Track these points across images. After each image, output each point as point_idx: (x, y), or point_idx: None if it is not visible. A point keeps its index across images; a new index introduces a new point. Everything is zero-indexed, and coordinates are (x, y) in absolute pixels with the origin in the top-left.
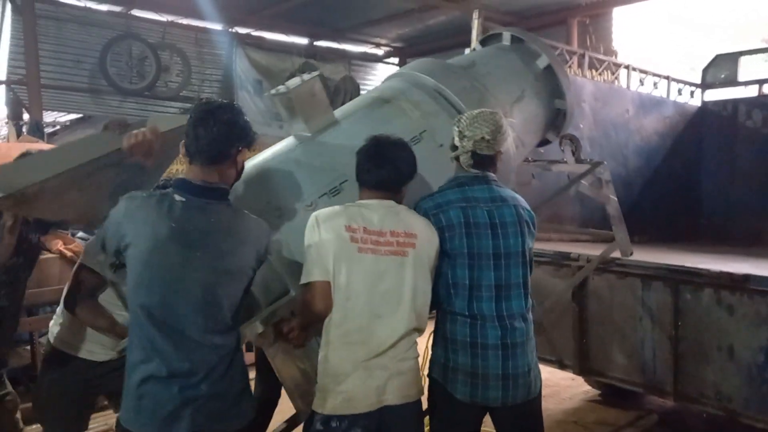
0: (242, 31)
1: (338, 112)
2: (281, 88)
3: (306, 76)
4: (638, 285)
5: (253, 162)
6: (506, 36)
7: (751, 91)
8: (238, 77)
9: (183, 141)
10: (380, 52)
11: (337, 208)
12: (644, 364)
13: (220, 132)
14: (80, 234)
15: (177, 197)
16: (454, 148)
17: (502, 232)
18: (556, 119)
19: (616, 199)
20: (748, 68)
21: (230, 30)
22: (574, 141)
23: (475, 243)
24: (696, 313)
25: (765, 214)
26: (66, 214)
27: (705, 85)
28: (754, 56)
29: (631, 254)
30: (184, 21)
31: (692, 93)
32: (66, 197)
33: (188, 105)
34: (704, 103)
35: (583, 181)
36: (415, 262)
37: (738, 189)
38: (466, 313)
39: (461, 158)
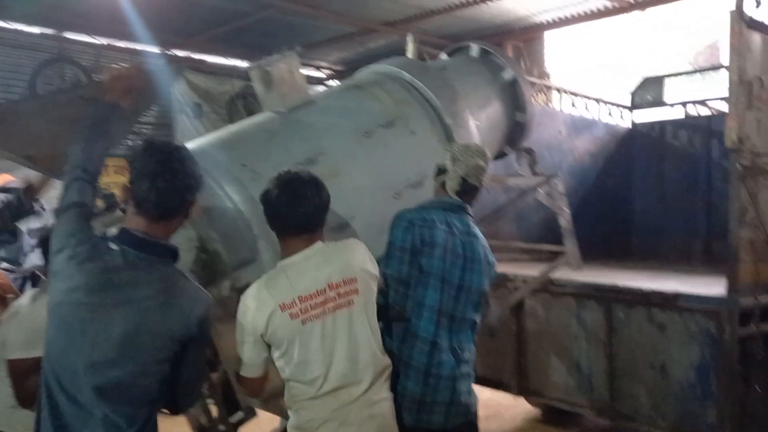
0: (181, 53)
1: (313, 111)
2: (261, 62)
3: (286, 53)
4: (573, 304)
5: (227, 128)
6: (475, 48)
7: (677, 112)
8: (176, 100)
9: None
10: (322, 74)
11: (261, 284)
12: (581, 384)
13: (174, 186)
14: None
15: (110, 244)
16: (442, 171)
17: (469, 266)
18: (513, 132)
19: (568, 211)
20: (673, 90)
21: (167, 53)
22: (531, 154)
23: (448, 269)
24: (629, 332)
25: (692, 231)
26: (31, 148)
27: (634, 107)
28: (678, 78)
29: (581, 268)
30: (120, 44)
31: (622, 114)
32: (34, 127)
33: None
34: (633, 124)
35: (540, 194)
36: (364, 303)
37: (666, 207)
38: (429, 339)
39: (449, 183)
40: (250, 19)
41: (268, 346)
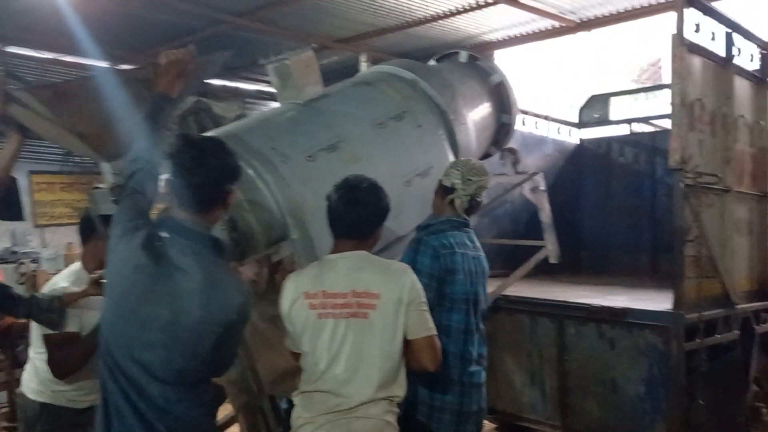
0: (130, 68)
1: (330, 102)
2: (279, 56)
3: (302, 49)
4: (526, 320)
5: (253, 117)
6: (463, 54)
7: (623, 129)
8: None
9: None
10: (274, 90)
11: (300, 271)
12: (534, 399)
13: (209, 181)
14: None
15: (161, 233)
16: (451, 190)
17: (478, 281)
18: (498, 133)
19: (549, 207)
20: (618, 108)
21: (116, 68)
22: (514, 153)
23: (468, 290)
24: (580, 348)
25: (639, 246)
26: (83, 126)
27: (581, 124)
28: (623, 97)
29: (559, 259)
30: (66, 58)
31: (570, 131)
32: (90, 105)
33: None
34: (581, 141)
35: (525, 190)
36: (379, 324)
37: (614, 222)
38: (459, 355)
39: (459, 201)
40: (202, 34)
41: None
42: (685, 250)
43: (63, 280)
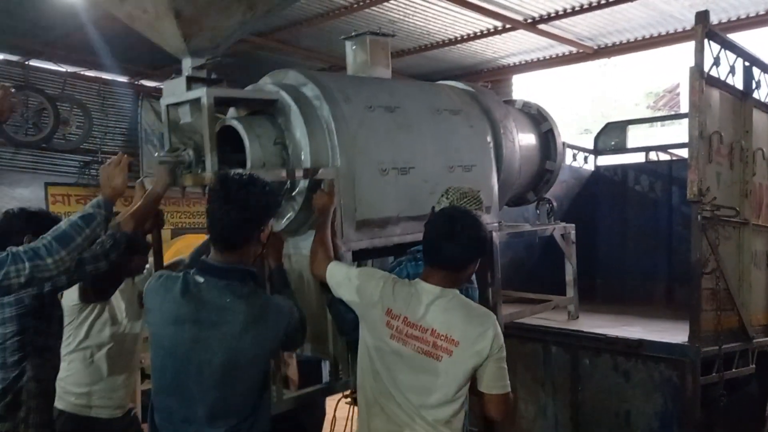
0: (148, 84)
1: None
2: (360, 32)
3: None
4: (539, 349)
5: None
6: (519, 102)
7: (639, 157)
8: (143, 130)
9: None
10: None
11: (396, 279)
12: (547, 430)
13: (237, 220)
14: None
15: (197, 277)
16: None
17: None
18: (539, 179)
19: (575, 261)
20: (635, 135)
21: (135, 83)
22: (550, 203)
23: None
24: (594, 379)
25: (654, 274)
26: (181, 2)
27: (597, 151)
28: (640, 125)
29: (577, 317)
30: (87, 73)
31: (586, 158)
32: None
33: (88, 158)
34: (597, 168)
35: (557, 238)
36: (448, 371)
37: (629, 250)
38: None
39: None
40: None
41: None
42: (702, 282)
43: None
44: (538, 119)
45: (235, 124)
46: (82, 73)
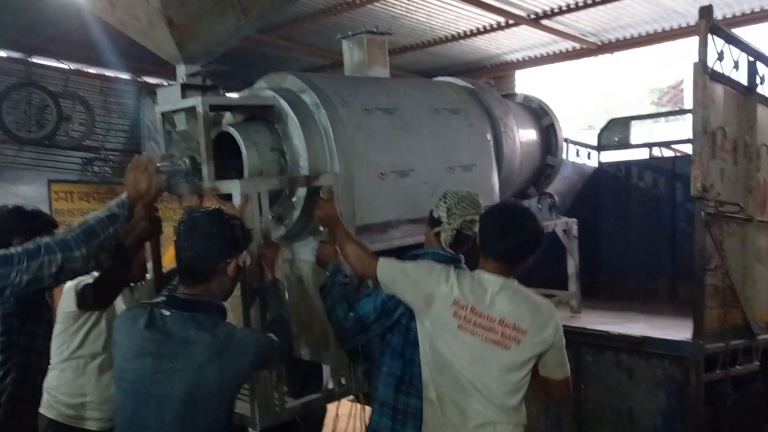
0: (151, 80)
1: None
2: (357, 32)
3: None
4: None
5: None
6: (520, 96)
7: (643, 153)
8: (145, 127)
9: None
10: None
11: (458, 272)
12: (549, 428)
13: (201, 249)
14: None
15: (163, 311)
16: (438, 222)
17: None
18: (540, 174)
19: (577, 256)
20: (639, 131)
21: (138, 79)
22: (552, 197)
23: None
24: (597, 376)
25: (658, 271)
26: (174, 10)
27: (600, 147)
28: (644, 121)
29: (580, 312)
30: (90, 69)
31: (589, 154)
32: None
33: (91, 155)
34: (600, 164)
35: (559, 232)
36: (515, 358)
37: (633, 247)
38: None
39: (444, 235)
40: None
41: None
42: (705, 279)
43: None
44: (539, 113)
45: (232, 131)
46: (84, 70)
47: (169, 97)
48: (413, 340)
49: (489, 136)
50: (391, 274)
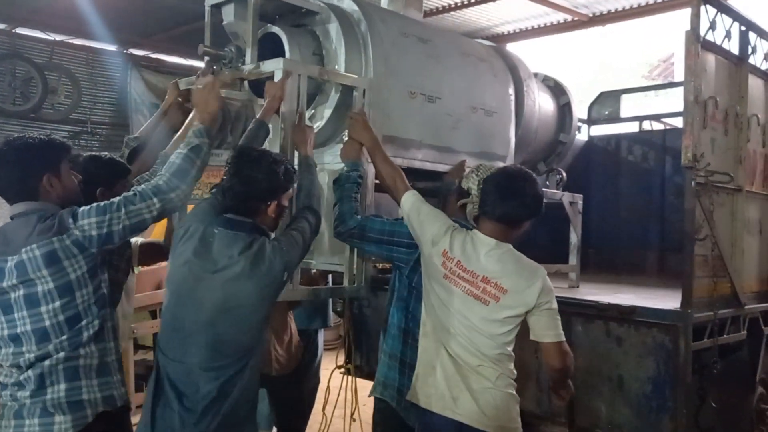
0: (138, 53)
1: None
2: None
3: None
4: None
5: None
6: (540, 75)
7: (633, 127)
8: (133, 100)
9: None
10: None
11: (455, 227)
12: (539, 395)
13: (240, 191)
14: None
15: (214, 228)
16: (466, 194)
17: None
18: (551, 150)
19: (580, 229)
20: (629, 105)
21: (125, 52)
22: (561, 173)
23: None
24: (587, 345)
25: (647, 244)
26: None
27: (591, 121)
28: (634, 95)
29: (578, 287)
30: (75, 41)
31: (579, 128)
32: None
33: (78, 128)
34: (590, 137)
35: (566, 205)
36: (494, 313)
37: (622, 220)
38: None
39: (470, 207)
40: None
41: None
42: (695, 248)
43: None
44: (557, 92)
45: (277, 30)
46: (70, 41)
47: None
48: (416, 293)
49: (511, 91)
50: (412, 206)
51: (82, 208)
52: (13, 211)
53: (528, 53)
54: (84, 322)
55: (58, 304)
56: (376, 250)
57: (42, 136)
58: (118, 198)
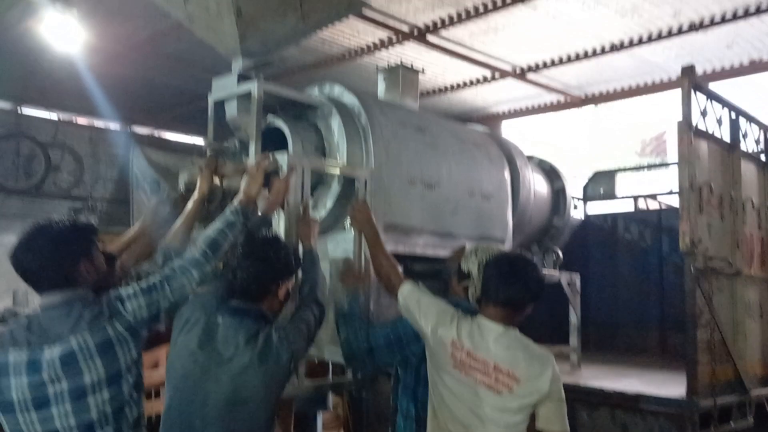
0: (142, 130)
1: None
2: (393, 66)
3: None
4: None
5: None
6: (535, 159)
7: (628, 205)
8: (134, 177)
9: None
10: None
11: (460, 315)
12: None
13: (255, 271)
14: None
15: (218, 318)
16: (466, 276)
17: None
18: (545, 233)
19: (579, 309)
20: (623, 182)
21: (128, 129)
22: (557, 253)
23: None
24: None
25: (647, 322)
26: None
27: (586, 199)
28: (628, 173)
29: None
30: (80, 119)
31: (575, 206)
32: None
33: (79, 204)
34: (587, 216)
35: (564, 285)
36: (508, 402)
37: (621, 298)
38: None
39: (472, 289)
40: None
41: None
42: (697, 334)
43: None
44: (551, 176)
45: (281, 124)
46: (74, 120)
47: (224, 86)
48: (424, 380)
49: (507, 175)
50: (411, 299)
51: (125, 292)
52: (46, 300)
53: (523, 128)
54: (126, 410)
55: (107, 395)
56: (389, 359)
57: (68, 222)
58: (156, 277)
